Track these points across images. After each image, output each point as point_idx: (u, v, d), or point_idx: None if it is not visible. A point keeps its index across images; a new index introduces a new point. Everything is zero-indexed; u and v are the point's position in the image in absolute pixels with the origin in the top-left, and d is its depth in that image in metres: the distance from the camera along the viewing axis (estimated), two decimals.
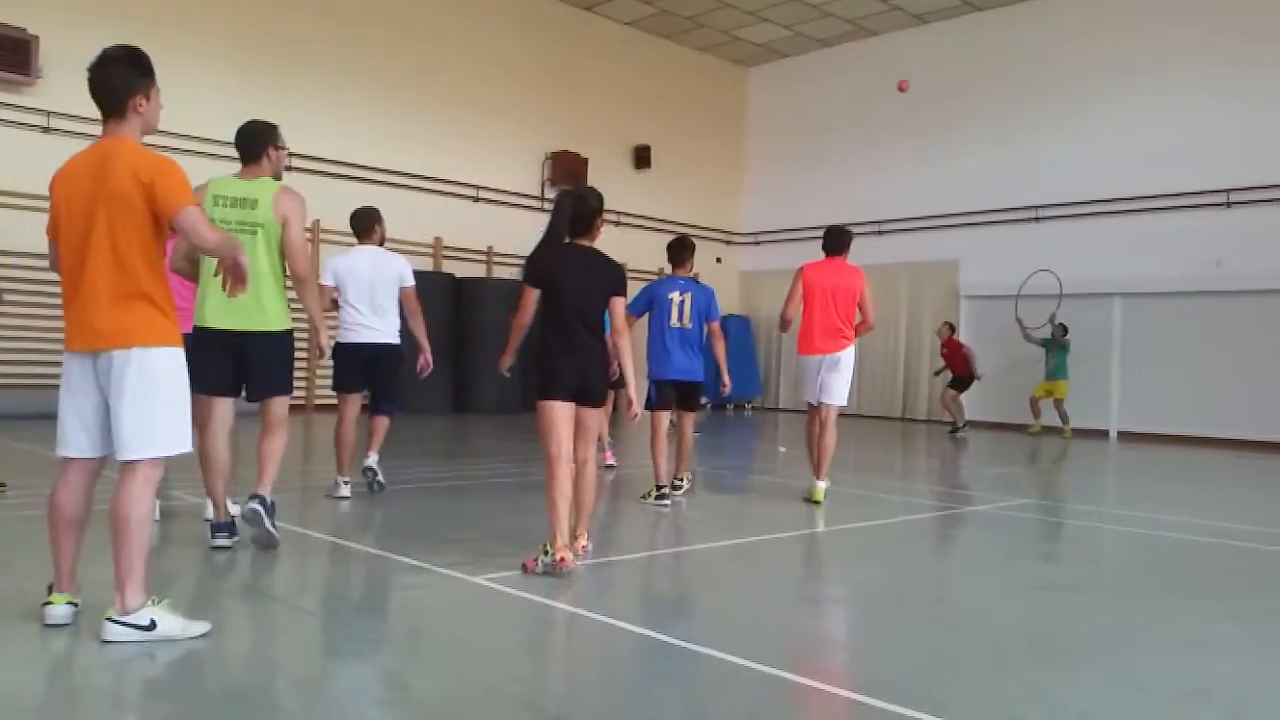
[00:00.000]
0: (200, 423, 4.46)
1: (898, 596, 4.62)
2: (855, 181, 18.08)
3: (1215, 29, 14.15)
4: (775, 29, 17.88)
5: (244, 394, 4.79)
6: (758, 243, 19.85)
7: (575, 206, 4.68)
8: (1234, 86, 13.93)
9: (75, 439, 3.31)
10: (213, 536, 4.69)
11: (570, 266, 4.65)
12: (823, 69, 18.86)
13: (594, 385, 4.72)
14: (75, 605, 3.37)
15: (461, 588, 4.14)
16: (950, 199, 16.75)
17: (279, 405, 4.88)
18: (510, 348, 4.94)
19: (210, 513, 4.81)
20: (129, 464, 3.25)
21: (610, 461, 8.28)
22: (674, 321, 6.74)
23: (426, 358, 6.53)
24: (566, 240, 4.69)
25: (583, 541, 4.77)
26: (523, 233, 16.41)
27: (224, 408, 4.70)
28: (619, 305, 4.76)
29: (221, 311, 4.57)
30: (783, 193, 19.40)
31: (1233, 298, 13.71)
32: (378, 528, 5.82)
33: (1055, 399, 14.63)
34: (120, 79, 3.32)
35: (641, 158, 18.04)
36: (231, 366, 4.66)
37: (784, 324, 7.19)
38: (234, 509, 4.89)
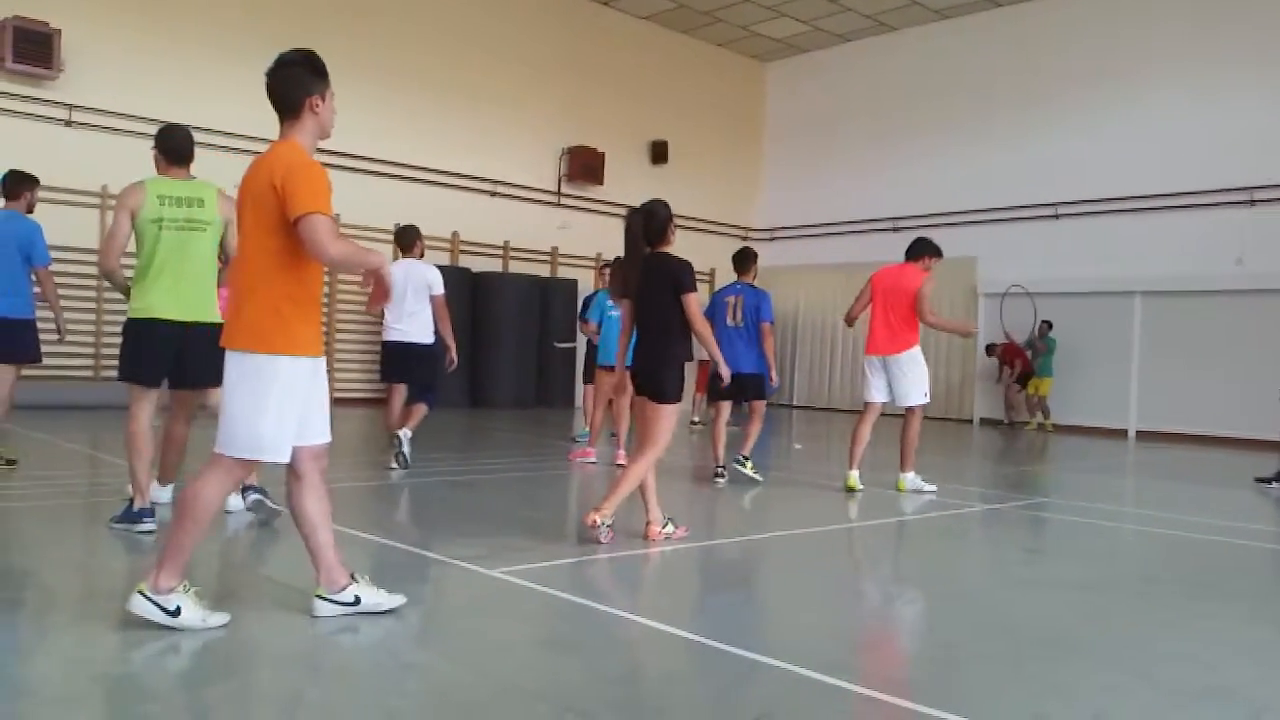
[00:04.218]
0: (130, 408, 4.75)
1: (915, 593, 4.61)
2: (873, 177, 18.01)
3: (1238, 24, 14.01)
4: (794, 24, 17.82)
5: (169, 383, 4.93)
6: (774, 238, 19.79)
7: (646, 220, 5.12)
8: (1257, 83, 13.79)
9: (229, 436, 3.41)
10: (140, 521, 4.76)
11: (641, 274, 5.10)
12: (841, 64, 18.78)
13: (658, 382, 5.04)
14: (324, 599, 3.50)
15: (478, 580, 4.15)
16: (969, 196, 16.66)
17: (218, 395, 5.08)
18: (619, 361, 5.49)
19: (136, 500, 4.83)
20: (216, 454, 3.34)
21: (621, 461, 8.28)
22: (729, 321, 7.70)
23: (451, 356, 7.44)
24: (647, 250, 5.14)
25: (602, 518, 4.87)
26: (539, 228, 16.44)
27: (150, 397, 4.85)
28: (690, 302, 5.08)
29: (168, 303, 4.71)
30: (800, 188, 19.34)
31: (1254, 296, 13.58)
32: (394, 520, 5.85)
33: (1040, 395, 15.31)
34: (296, 81, 3.36)
35: (658, 153, 18.01)
36: (172, 357, 4.79)
37: (846, 320, 7.80)
38: (164, 495, 5.19)
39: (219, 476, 3.33)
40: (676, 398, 5.09)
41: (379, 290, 3.40)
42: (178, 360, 4.78)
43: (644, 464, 5.03)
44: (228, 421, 3.31)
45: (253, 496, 5.10)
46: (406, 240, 7.49)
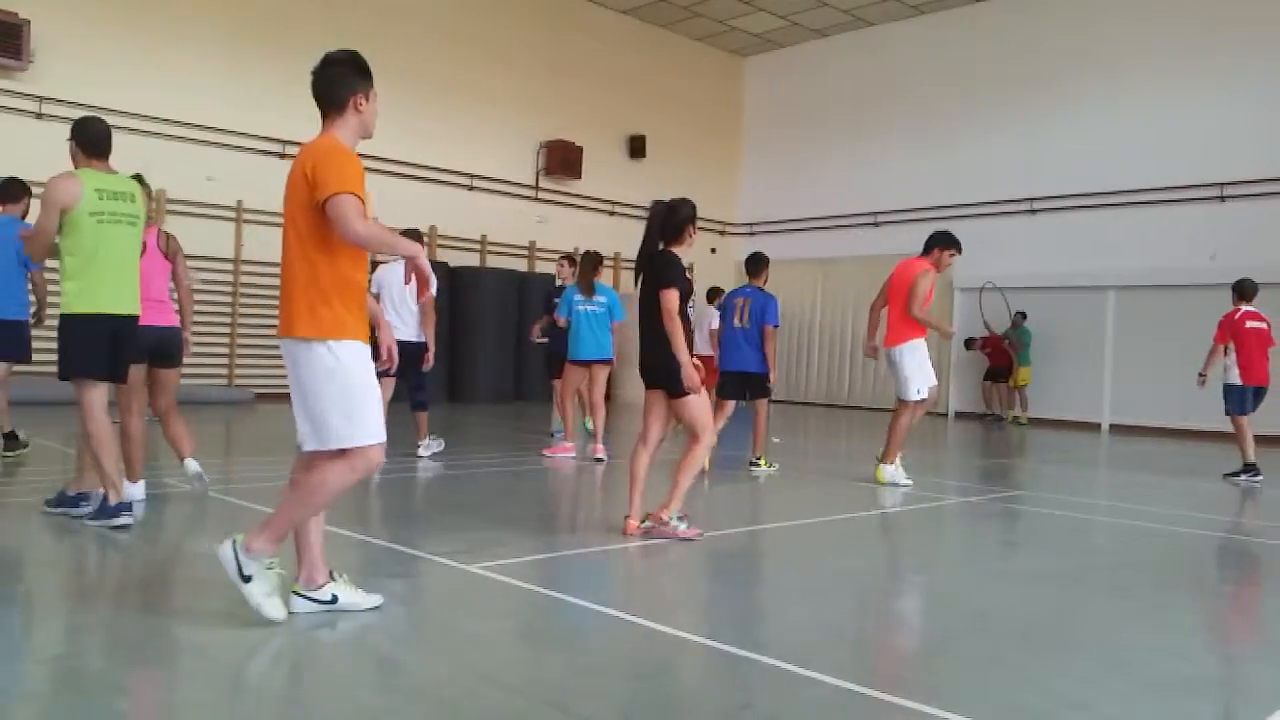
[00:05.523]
0: (86, 406, 4.73)
1: (893, 586, 4.64)
2: (850, 172, 18.08)
3: (1210, 21, 14.15)
4: (772, 19, 17.84)
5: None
6: (753, 233, 19.83)
7: (666, 216, 5.16)
8: (1230, 79, 13.94)
9: (300, 428, 3.40)
10: (116, 516, 4.71)
11: (645, 269, 5.19)
12: (819, 59, 18.82)
13: (668, 377, 5.12)
14: (300, 595, 3.44)
15: (457, 576, 4.14)
16: (945, 190, 16.76)
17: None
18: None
19: (111, 495, 4.78)
20: (325, 454, 3.34)
21: (599, 454, 8.27)
22: (736, 322, 8.03)
23: (429, 357, 7.78)
24: (660, 245, 5.18)
25: (669, 514, 5.04)
26: (516, 222, 16.38)
27: (104, 390, 4.83)
28: (665, 298, 5.11)
29: (110, 297, 4.73)
30: (778, 183, 19.38)
31: (1226, 291, 13.68)
32: (372, 515, 5.81)
33: (1019, 386, 15.42)
34: (342, 79, 3.39)
35: (636, 147, 17.98)
36: (111, 350, 4.80)
37: (870, 312, 7.77)
38: (138, 492, 5.25)
39: (341, 468, 3.32)
40: (679, 389, 5.17)
41: (421, 279, 3.43)
42: (117, 353, 4.82)
43: (699, 454, 5.19)
44: (306, 415, 3.33)
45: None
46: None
